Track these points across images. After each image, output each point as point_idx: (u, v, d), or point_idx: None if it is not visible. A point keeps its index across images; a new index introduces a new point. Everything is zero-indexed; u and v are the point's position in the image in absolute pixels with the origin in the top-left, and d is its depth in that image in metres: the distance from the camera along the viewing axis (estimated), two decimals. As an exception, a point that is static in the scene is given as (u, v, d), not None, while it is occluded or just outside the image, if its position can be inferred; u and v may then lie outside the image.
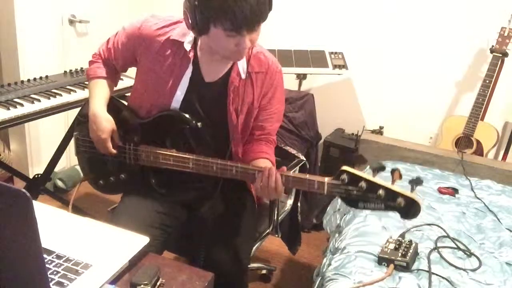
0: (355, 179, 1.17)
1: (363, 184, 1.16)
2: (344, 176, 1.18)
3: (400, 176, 1.16)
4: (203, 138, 1.45)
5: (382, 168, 1.16)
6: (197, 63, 1.42)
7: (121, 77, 1.66)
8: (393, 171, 1.17)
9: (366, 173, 1.18)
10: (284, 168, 1.30)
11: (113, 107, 1.52)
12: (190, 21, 1.24)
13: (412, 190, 1.15)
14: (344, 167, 1.19)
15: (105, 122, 1.44)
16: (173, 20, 1.44)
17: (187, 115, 1.42)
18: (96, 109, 1.46)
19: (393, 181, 1.16)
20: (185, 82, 1.42)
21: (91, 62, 1.59)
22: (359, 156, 1.22)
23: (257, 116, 1.51)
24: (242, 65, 1.42)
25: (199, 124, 1.42)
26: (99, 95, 1.50)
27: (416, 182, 1.15)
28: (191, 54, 1.40)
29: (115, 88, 1.62)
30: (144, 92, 1.48)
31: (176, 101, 1.44)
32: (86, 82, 2.19)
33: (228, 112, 1.44)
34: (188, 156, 1.38)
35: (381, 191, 1.15)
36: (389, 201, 1.15)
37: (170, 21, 1.43)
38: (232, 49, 1.27)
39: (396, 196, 1.14)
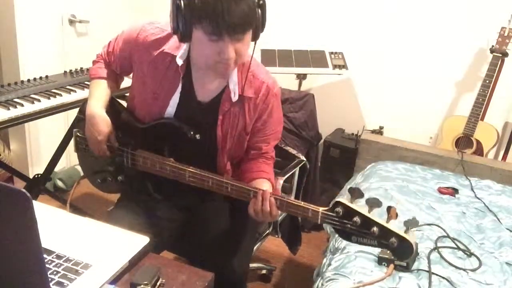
0: (349, 213, 1.16)
1: (357, 219, 1.15)
2: (339, 209, 1.17)
3: (396, 216, 1.16)
4: (200, 151, 1.43)
5: (379, 204, 1.15)
6: (189, 79, 1.38)
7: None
8: (389, 209, 1.16)
9: (362, 208, 1.17)
10: (278, 190, 1.28)
11: (113, 108, 1.51)
12: (173, 24, 1.22)
13: (407, 230, 1.15)
14: (339, 199, 1.18)
15: (102, 124, 1.42)
16: (170, 30, 1.39)
17: (186, 126, 1.39)
18: (94, 110, 1.44)
19: (388, 219, 1.15)
20: (175, 98, 1.39)
21: (94, 62, 1.58)
22: (355, 189, 1.21)
23: (251, 138, 1.47)
24: (233, 88, 1.37)
25: (197, 136, 1.39)
26: (98, 95, 1.49)
27: (411, 223, 1.15)
28: (182, 70, 1.36)
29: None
30: (137, 100, 1.47)
31: (168, 115, 1.41)
32: (86, 82, 2.19)
33: (217, 136, 1.42)
34: (185, 168, 1.36)
35: (375, 228, 1.14)
36: (382, 239, 1.15)
37: (167, 31, 1.38)
38: (215, 58, 1.21)
39: (390, 236, 1.14)
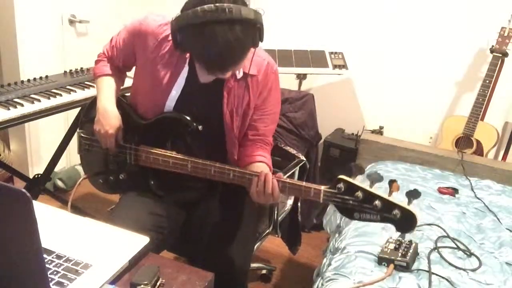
0: (351, 189, 1.16)
1: (359, 194, 1.15)
2: (341, 185, 1.17)
3: (398, 188, 1.15)
4: (203, 141, 1.44)
5: (380, 179, 1.15)
6: (192, 61, 1.40)
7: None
8: (390, 182, 1.15)
9: (363, 183, 1.17)
10: (281, 174, 1.29)
11: (118, 106, 1.52)
12: (172, 43, 1.25)
13: (409, 202, 1.14)
14: (341, 176, 1.17)
15: (114, 118, 1.45)
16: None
17: (188, 118, 1.41)
18: (107, 104, 1.46)
19: (390, 193, 1.15)
20: (180, 81, 1.41)
21: (97, 61, 1.60)
22: (356, 165, 1.20)
23: (251, 116, 1.49)
24: None
25: (200, 127, 1.41)
26: (108, 91, 1.51)
27: (413, 194, 1.14)
28: (188, 54, 1.38)
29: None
30: (140, 90, 1.48)
31: (171, 100, 1.43)
32: (87, 82, 2.20)
33: (223, 114, 1.43)
34: (187, 158, 1.37)
35: (377, 202, 1.14)
36: (385, 212, 1.14)
37: (169, 19, 1.40)
38: (212, 76, 1.28)
39: (393, 208, 1.13)
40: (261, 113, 1.49)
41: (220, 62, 1.19)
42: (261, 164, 1.44)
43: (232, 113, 1.43)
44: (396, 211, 1.13)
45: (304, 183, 1.24)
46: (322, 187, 1.21)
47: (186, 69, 1.40)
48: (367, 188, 1.15)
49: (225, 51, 1.16)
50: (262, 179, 1.27)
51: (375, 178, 1.15)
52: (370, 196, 1.14)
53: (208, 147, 1.44)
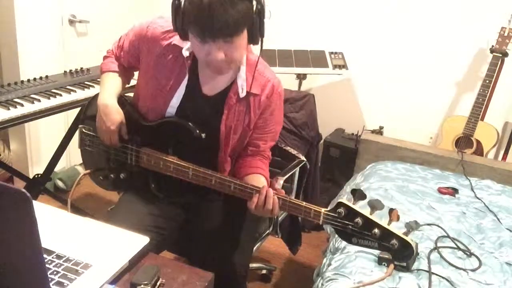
0: (351, 214, 1.17)
1: (359, 220, 1.16)
2: (341, 210, 1.18)
3: (398, 217, 1.16)
4: (202, 145, 1.43)
5: (381, 207, 1.16)
6: (196, 72, 1.40)
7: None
8: (391, 211, 1.16)
9: (363, 209, 1.17)
10: (282, 191, 1.29)
11: (121, 105, 1.51)
12: (172, 23, 1.24)
13: (408, 233, 1.15)
14: (342, 200, 1.19)
15: (115, 114, 1.43)
16: None
17: (191, 124, 1.40)
18: (108, 100, 1.45)
19: (389, 221, 1.16)
20: (181, 90, 1.40)
21: (104, 57, 1.60)
22: (358, 191, 1.22)
23: (251, 134, 1.49)
24: (241, 84, 1.39)
25: (203, 135, 1.40)
26: (110, 87, 1.50)
27: (412, 226, 1.15)
28: (188, 62, 1.37)
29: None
30: (142, 93, 1.48)
31: (171, 107, 1.42)
32: (87, 82, 2.20)
33: (220, 131, 1.42)
34: (189, 166, 1.37)
35: (376, 230, 1.15)
36: (384, 241, 1.15)
37: None
38: (205, 58, 1.23)
39: (391, 238, 1.14)
40: (262, 131, 1.49)
41: (214, 24, 1.14)
42: (259, 176, 1.43)
43: (229, 130, 1.43)
44: (394, 241, 1.14)
45: (304, 203, 1.24)
46: (323, 210, 1.21)
47: (186, 77, 1.39)
48: (367, 215, 1.16)
49: (222, 13, 1.12)
50: (264, 193, 1.27)
51: (376, 205, 1.15)
52: (369, 224, 1.16)
53: (200, 159, 1.42)
